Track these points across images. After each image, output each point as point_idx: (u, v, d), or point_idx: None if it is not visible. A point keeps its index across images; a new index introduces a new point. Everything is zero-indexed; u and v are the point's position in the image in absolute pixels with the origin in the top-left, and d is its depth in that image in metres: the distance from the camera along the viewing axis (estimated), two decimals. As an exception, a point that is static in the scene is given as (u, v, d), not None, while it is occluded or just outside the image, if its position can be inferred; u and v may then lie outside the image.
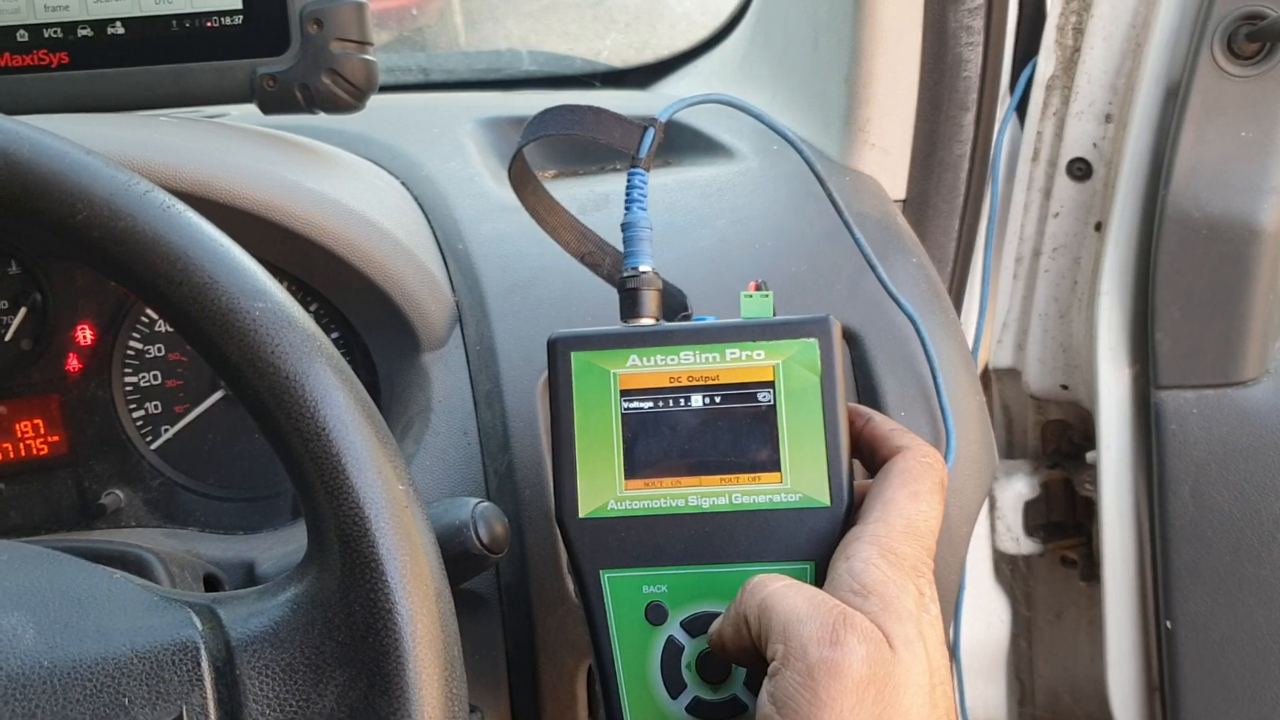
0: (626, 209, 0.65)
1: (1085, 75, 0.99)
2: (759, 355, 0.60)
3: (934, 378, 0.78)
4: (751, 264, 0.84)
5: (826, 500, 0.59)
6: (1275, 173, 0.91)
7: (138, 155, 0.69)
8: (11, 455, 0.81)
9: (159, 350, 0.83)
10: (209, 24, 0.79)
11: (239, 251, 0.51)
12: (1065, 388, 1.09)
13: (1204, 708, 0.97)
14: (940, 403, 0.78)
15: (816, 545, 0.59)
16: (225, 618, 0.50)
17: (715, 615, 0.59)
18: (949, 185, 0.95)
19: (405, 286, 0.77)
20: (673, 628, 0.60)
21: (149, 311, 0.82)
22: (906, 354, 0.80)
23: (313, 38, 0.78)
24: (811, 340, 0.60)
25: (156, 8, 0.79)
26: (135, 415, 0.83)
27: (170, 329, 0.82)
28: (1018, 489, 1.14)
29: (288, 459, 0.50)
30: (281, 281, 0.59)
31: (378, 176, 0.90)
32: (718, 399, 0.61)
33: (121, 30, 0.79)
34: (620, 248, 0.68)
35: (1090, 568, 1.13)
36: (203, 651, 0.49)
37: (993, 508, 1.15)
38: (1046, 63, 1.02)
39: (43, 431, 0.81)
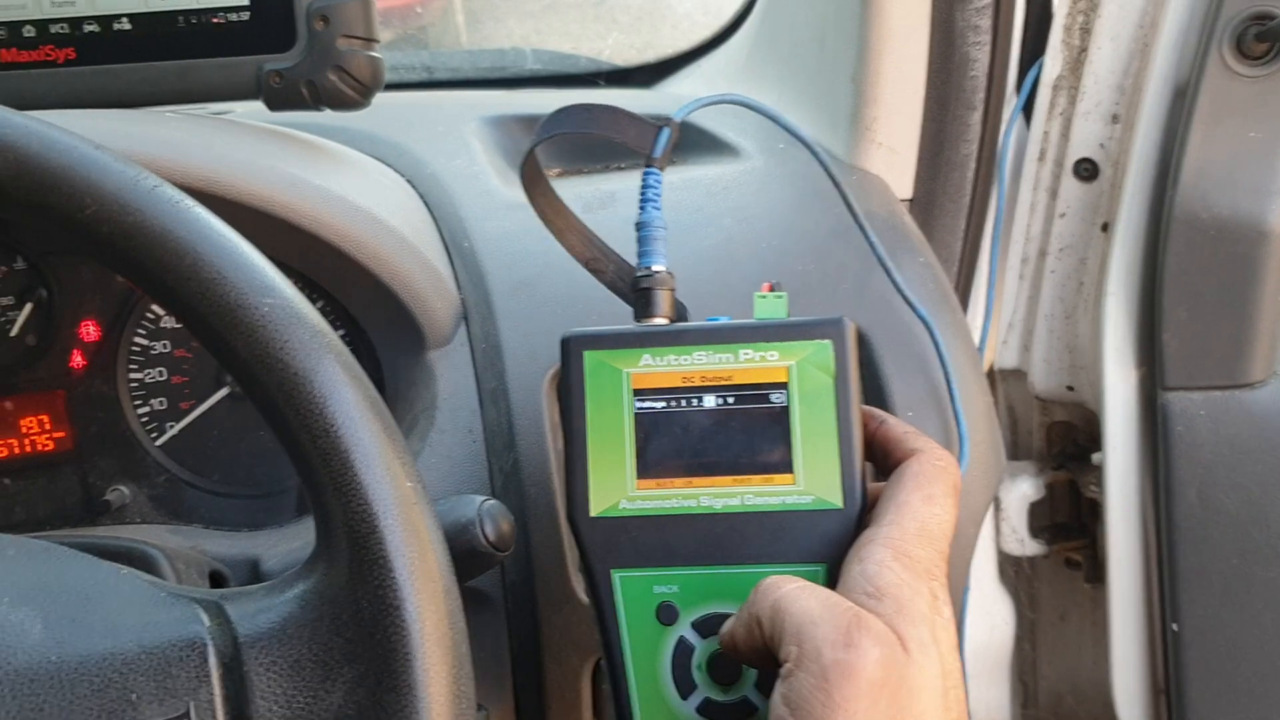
0: (641, 208, 0.65)
1: (1092, 75, 0.99)
2: (773, 356, 0.60)
3: (946, 379, 0.78)
4: (758, 263, 0.83)
5: (839, 502, 0.59)
6: (1284, 174, 0.91)
7: (144, 151, 0.69)
8: (16, 451, 0.81)
9: (164, 346, 0.82)
10: (215, 20, 0.79)
11: (248, 247, 0.51)
12: (1071, 389, 1.09)
13: (1210, 711, 0.97)
14: (953, 405, 0.77)
15: (829, 547, 0.58)
16: (233, 614, 0.50)
17: (726, 616, 0.58)
18: (956, 185, 0.95)
19: (411, 284, 0.77)
20: (684, 628, 0.60)
21: (154, 307, 0.82)
22: (915, 354, 0.79)
23: (319, 34, 0.78)
24: (826, 342, 0.60)
25: (163, 4, 0.78)
26: (140, 411, 0.82)
27: (176, 325, 0.82)
28: (1023, 490, 1.13)
29: (296, 455, 0.50)
30: (287, 278, 0.59)
31: (383, 174, 0.90)
32: (731, 399, 0.60)
33: (128, 26, 0.79)
34: (624, 254, 0.68)
35: (1095, 570, 1.13)
36: (210, 648, 0.49)
37: (997, 509, 1.15)
38: (1053, 63, 1.01)
39: (48, 427, 0.81)
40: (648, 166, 0.66)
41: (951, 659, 0.53)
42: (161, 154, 0.70)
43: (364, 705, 0.48)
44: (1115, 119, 1.00)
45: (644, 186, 0.65)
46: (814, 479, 0.59)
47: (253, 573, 0.74)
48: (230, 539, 0.79)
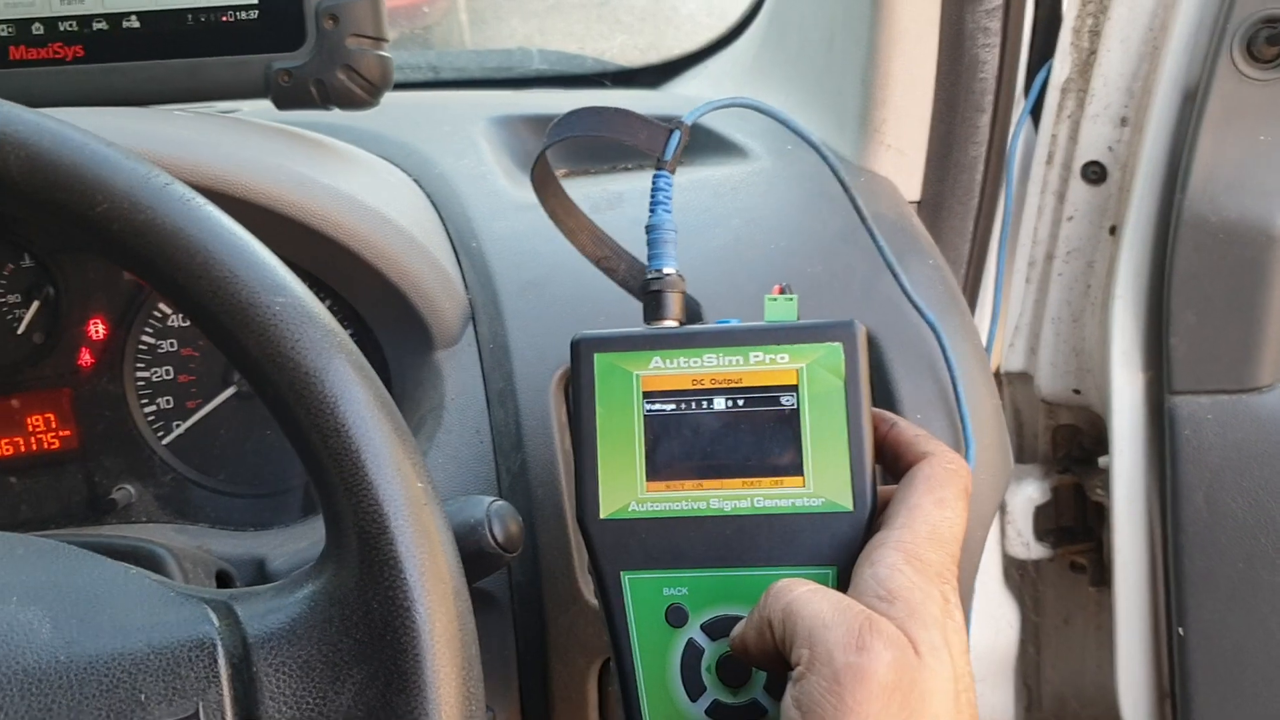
0: (652, 211, 0.65)
1: (1101, 78, 0.99)
2: (783, 359, 0.60)
3: (954, 382, 0.78)
4: (766, 264, 0.83)
5: (849, 505, 0.59)
6: (1294, 177, 0.91)
7: (153, 149, 0.69)
8: (22, 449, 0.81)
9: (171, 345, 0.82)
10: (224, 18, 0.79)
11: (259, 246, 0.50)
12: (1077, 392, 1.09)
13: (1216, 715, 0.96)
14: (960, 408, 0.77)
15: (838, 550, 0.58)
16: (242, 614, 0.50)
17: (736, 618, 0.58)
18: (964, 187, 0.95)
19: (419, 284, 0.77)
20: (693, 630, 0.60)
21: (162, 306, 0.82)
22: (922, 356, 0.79)
23: (328, 33, 0.78)
24: (836, 344, 0.60)
25: (172, 2, 0.78)
26: (147, 410, 0.82)
27: (183, 324, 0.82)
28: (1028, 493, 1.13)
29: (306, 455, 0.49)
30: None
31: (391, 173, 0.90)
32: (741, 402, 0.60)
33: (137, 24, 0.79)
34: (636, 249, 0.68)
35: (1100, 573, 1.13)
36: (219, 648, 0.49)
37: (1003, 512, 1.14)
38: (1062, 65, 1.01)
39: (54, 425, 0.81)
40: (658, 169, 0.65)
41: (963, 662, 0.53)
42: (170, 152, 0.70)
43: (374, 706, 0.48)
44: (1124, 122, 0.99)
45: (654, 189, 0.65)
46: (824, 482, 0.59)
47: (259, 572, 0.74)
48: (236, 538, 0.79)
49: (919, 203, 0.96)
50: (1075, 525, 1.15)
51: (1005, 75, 0.92)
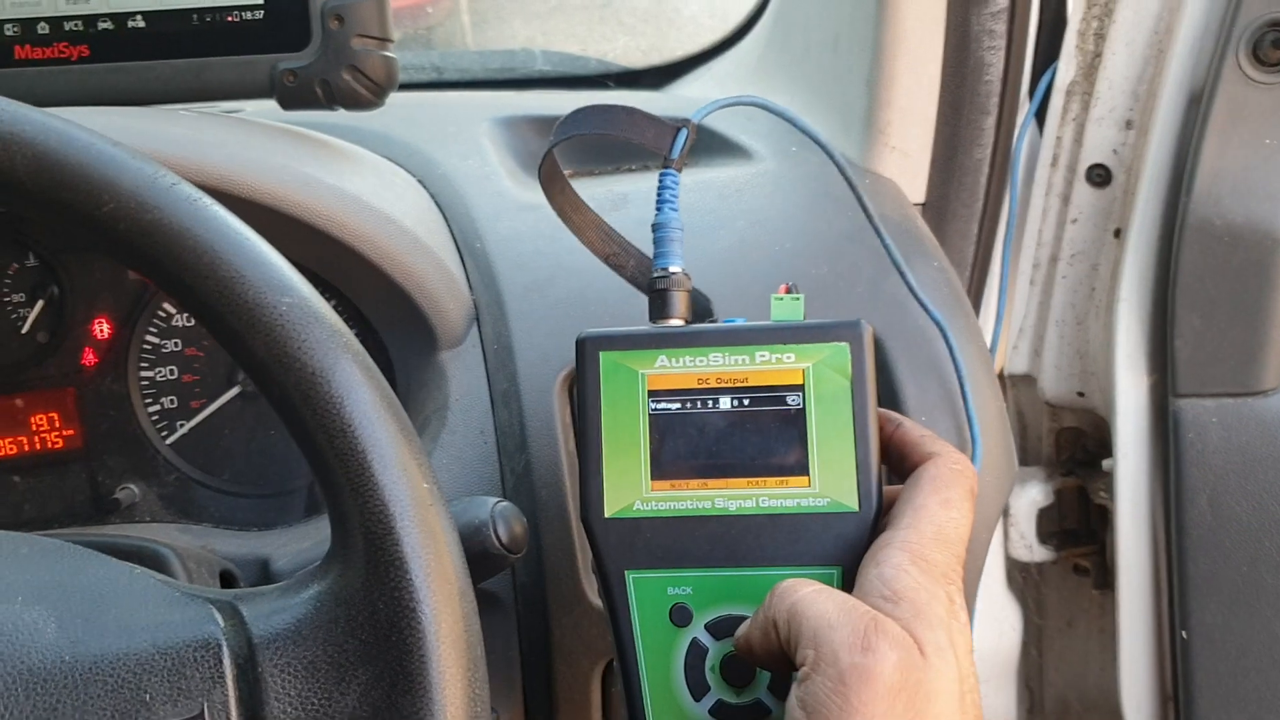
0: (658, 209, 0.65)
1: (1106, 81, 0.99)
2: (789, 358, 0.60)
3: (960, 384, 0.78)
4: (771, 266, 0.83)
5: (855, 505, 0.58)
6: (1299, 180, 0.91)
7: (158, 149, 0.69)
8: (26, 448, 0.81)
9: (176, 345, 0.82)
10: (230, 18, 0.79)
11: (266, 246, 0.50)
12: (1081, 395, 1.09)
13: (1219, 719, 0.96)
14: (966, 409, 0.77)
15: (844, 550, 0.58)
16: (247, 614, 0.50)
17: (740, 618, 0.58)
18: (969, 189, 0.95)
19: (424, 284, 0.77)
20: (697, 630, 0.60)
21: (166, 306, 0.82)
22: (928, 358, 0.79)
23: (334, 33, 0.78)
24: (843, 344, 0.60)
25: (177, 1, 0.78)
26: (151, 410, 0.82)
27: (187, 323, 0.82)
28: (1031, 496, 1.13)
29: (312, 455, 0.49)
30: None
31: (395, 174, 0.90)
32: (746, 401, 0.60)
33: (142, 23, 0.79)
34: (643, 249, 0.68)
35: (1103, 576, 1.12)
36: (225, 648, 0.48)
37: (1006, 515, 1.14)
38: (1067, 68, 1.01)
39: (58, 425, 0.81)
40: (665, 168, 0.65)
41: (968, 663, 0.53)
42: (175, 152, 0.70)
43: (379, 707, 0.48)
44: (1129, 125, 0.99)
45: (661, 188, 0.65)
46: (830, 482, 0.59)
47: (263, 572, 0.74)
48: (240, 538, 0.79)
49: (923, 205, 0.96)
50: (1078, 528, 1.15)
51: (1010, 78, 0.92)
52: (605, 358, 0.62)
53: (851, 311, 0.63)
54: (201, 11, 0.78)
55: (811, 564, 0.59)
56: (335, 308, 0.80)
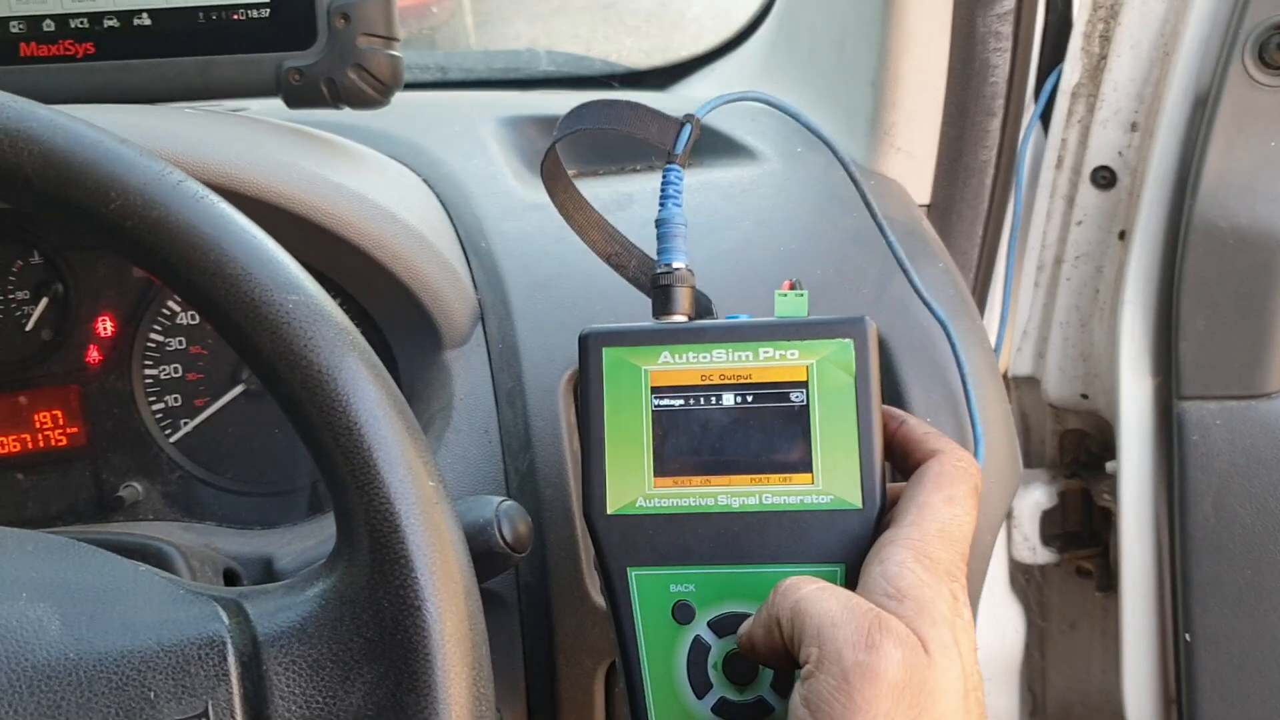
0: (661, 205, 0.64)
1: (1111, 83, 0.99)
2: (793, 355, 0.60)
3: (964, 385, 0.77)
4: (777, 266, 0.83)
5: (858, 502, 0.58)
6: (1305, 184, 0.91)
7: (164, 147, 0.69)
8: (30, 446, 0.81)
9: (180, 343, 0.82)
10: (236, 16, 0.79)
11: (272, 244, 0.50)
12: (1085, 397, 1.09)
13: (1222, 721, 0.96)
14: (970, 410, 0.77)
15: (847, 547, 0.58)
16: (252, 612, 0.50)
17: (743, 616, 0.58)
18: (974, 191, 0.95)
19: (429, 283, 0.77)
20: (700, 627, 0.59)
21: (170, 304, 0.82)
22: (933, 359, 0.79)
23: (340, 32, 0.78)
24: (847, 341, 0.60)
25: (183, -1, 0.78)
26: (155, 408, 0.82)
27: (192, 321, 0.82)
28: (1035, 498, 1.13)
29: (318, 453, 0.49)
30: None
31: (400, 173, 0.90)
32: (750, 398, 0.60)
33: (148, 21, 0.79)
34: (645, 249, 0.68)
35: (1106, 578, 1.12)
36: (229, 646, 0.48)
37: (1009, 517, 1.14)
38: (1072, 70, 1.01)
39: (61, 422, 0.81)
40: (668, 163, 0.65)
41: (972, 661, 0.53)
42: (181, 149, 0.70)
43: (384, 706, 0.48)
44: (1134, 127, 0.99)
45: (664, 183, 0.65)
46: (833, 479, 0.59)
47: (266, 571, 0.74)
48: (243, 537, 0.79)
49: (928, 206, 0.96)
50: (1082, 530, 1.15)
51: (1016, 79, 0.92)
52: (608, 354, 0.62)
53: (857, 312, 0.62)
54: (208, 9, 0.78)
55: (815, 561, 0.58)
56: (340, 306, 0.81)
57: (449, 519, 0.50)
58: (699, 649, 0.60)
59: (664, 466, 0.60)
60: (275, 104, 0.81)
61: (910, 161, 0.94)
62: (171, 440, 0.83)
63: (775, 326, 0.61)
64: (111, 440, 0.82)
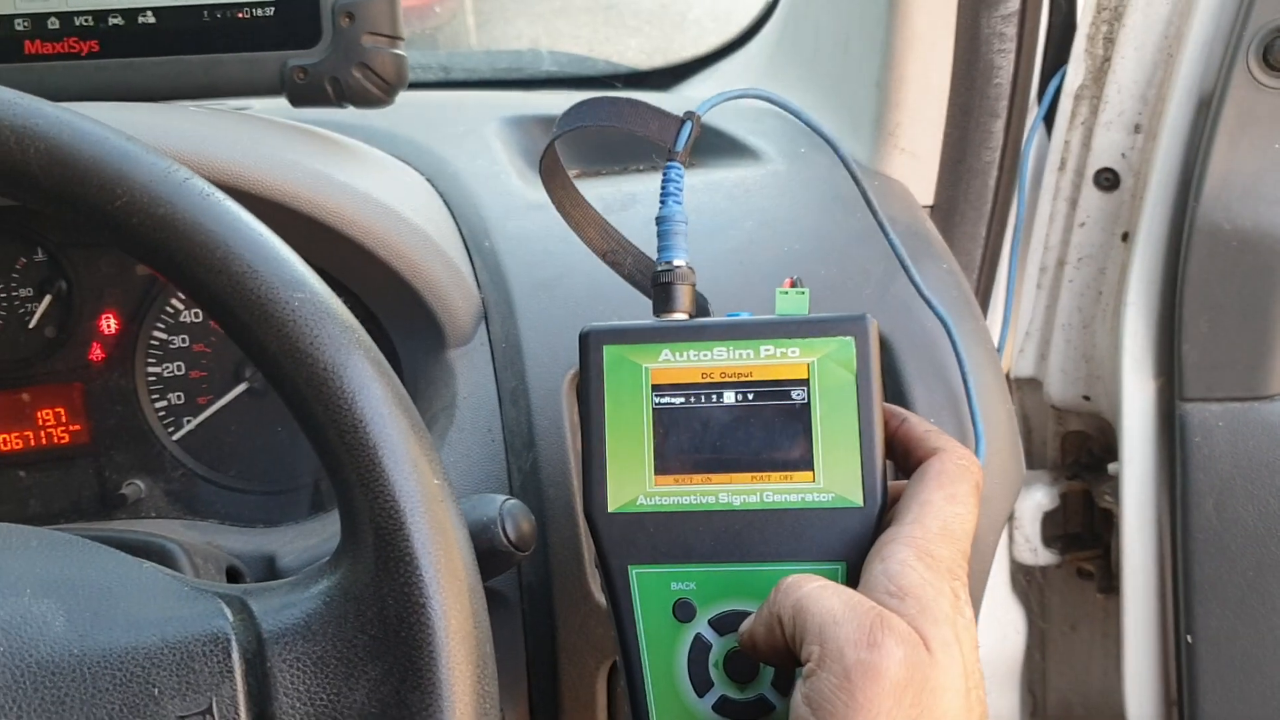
0: (662, 202, 0.64)
1: (1115, 85, 0.99)
2: (794, 352, 0.60)
3: (965, 385, 0.77)
4: (779, 266, 0.83)
5: (859, 500, 0.58)
6: (1309, 186, 0.91)
7: (168, 144, 0.69)
8: (33, 443, 0.81)
9: (183, 341, 0.82)
10: (240, 15, 0.79)
11: (277, 241, 0.50)
12: (1087, 398, 1.09)
13: (1224, 722, 0.96)
14: (971, 410, 0.77)
15: (848, 546, 0.58)
16: (256, 609, 0.50)
17: (744, 614, 0.58)
18: (977, 192, 0.95)
19: (433, 282, 0.77)
20: (700, 626, 0.59)
21: (174, 301, 0.82)
22: (935, 359, 0.79)
23: (344, 31, 0.78)
24: (848, 338, 0.59)
25: (188, -3, 0.78)
26: (158, 406, 0.82)
27: (195, 319, 0.82)
28: (1036, 499, 1.13)
29: (323, 450, 0.49)
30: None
31: (404, 172, 0.90)
32: (751, 396, 0.60)
33: (153, 19, 0.79)
34: (643, 248, 0.68)
35: (1107, 580, 1.12)
36: (234, 643, 0.49)
37: (1011, 518, 1.14)
38: (1075, 72, 1.01)
39: (64, 420, 0.81)
40: (669, 160, 0.65)
41: (973, 659, 0.53)
42: (186, 147, 0.70)
43: (388, 703, 0.48)
44: (1137, 129, 0.99)
45: (665, 180, 0.64)
46: (834, 477, 0.59)
47: (269, 569, 0.74)
48: (246, 534, 0.79)
49: (932, 207, 0.96)
50: (1083, 532, 1.15)
51: (1020, 81, 0.92)
52: (609, 351, 0.61)
53: (859, 312, 0.62)
54: (212, 8, 0.78)
55: (816, 559, 0.58)
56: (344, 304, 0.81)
57: (453, 517, 0.50)
58: (700, 647, 0.59)
59: (665, 464, 0.60)
60: (279, 103, 0.81)
61: (914, 162, 0.94)
62: (174, 438, 0.83)
63: (776, 324, 0.61)
64: (114, 438, 0.82)
